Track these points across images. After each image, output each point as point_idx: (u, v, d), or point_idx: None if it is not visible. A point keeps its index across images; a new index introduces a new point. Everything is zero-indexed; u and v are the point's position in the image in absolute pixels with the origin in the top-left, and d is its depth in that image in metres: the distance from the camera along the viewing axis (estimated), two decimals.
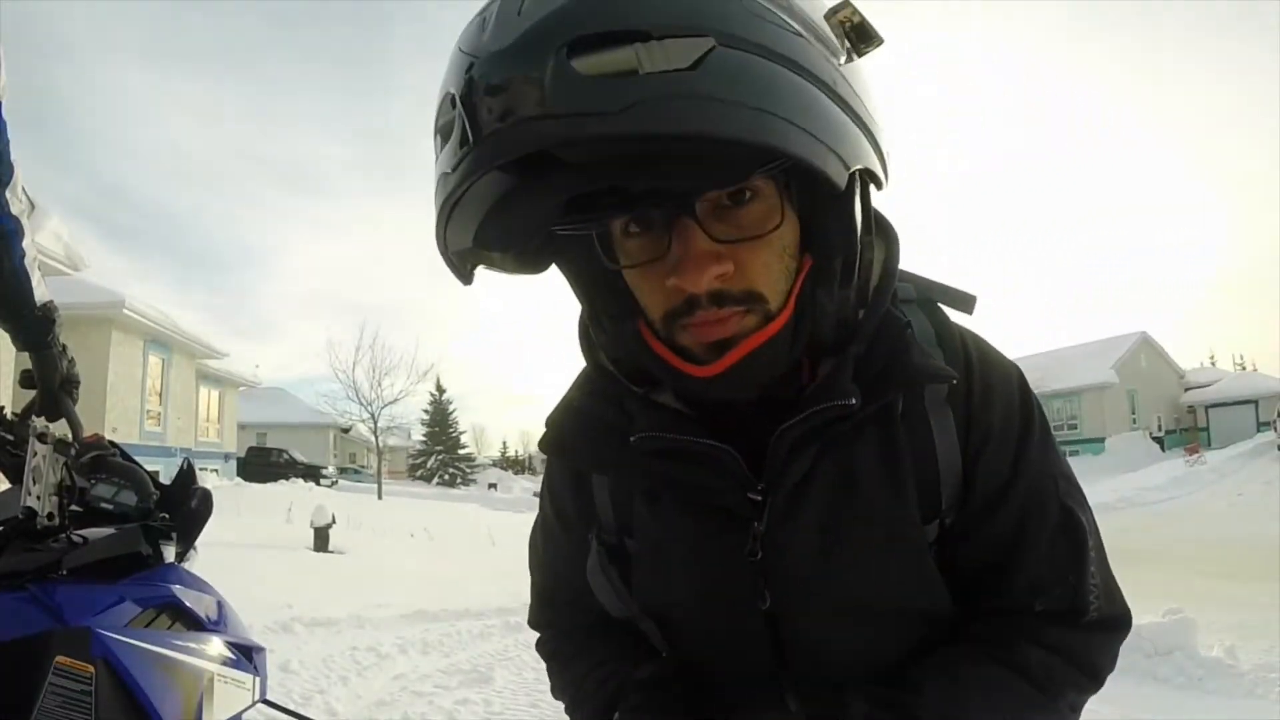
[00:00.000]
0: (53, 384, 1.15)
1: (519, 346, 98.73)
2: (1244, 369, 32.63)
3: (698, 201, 0.47)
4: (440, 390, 38.47)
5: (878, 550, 0.54)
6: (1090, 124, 69.41)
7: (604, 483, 0.63)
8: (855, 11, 0.46)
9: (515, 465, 61.11)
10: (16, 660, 0.75)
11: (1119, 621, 0.57)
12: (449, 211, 0.44)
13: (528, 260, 0.54)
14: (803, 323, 0.51)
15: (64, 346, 1.18)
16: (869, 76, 0.50)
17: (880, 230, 0.56)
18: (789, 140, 0.39)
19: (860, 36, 0.47)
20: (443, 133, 0.42)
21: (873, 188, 0.51)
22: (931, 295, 0.62)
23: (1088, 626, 0.55)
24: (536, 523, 0.73)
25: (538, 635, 0.76)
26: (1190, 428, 27.75)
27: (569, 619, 0.71)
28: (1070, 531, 0.56)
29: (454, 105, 0.40)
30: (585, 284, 0.57)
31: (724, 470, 0.54)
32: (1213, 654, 3.49)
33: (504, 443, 70.05)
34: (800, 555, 0.55)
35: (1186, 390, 29.49)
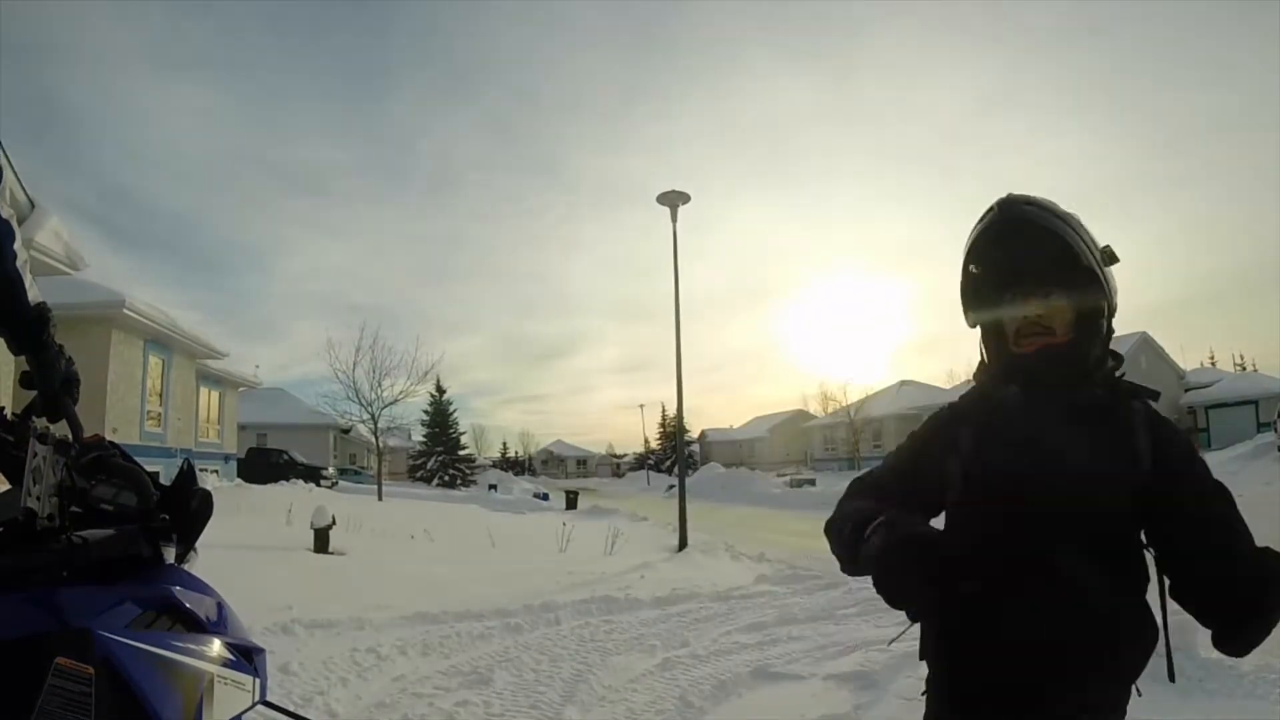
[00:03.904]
0: (52, 384, 1.15)
1: (520, 347, 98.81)
2: (1244, 369, 32.63)
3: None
4: (440, 391, 38.50)
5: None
6: (1090, 123, 69.53)
7: (970, 433, 1.14)
8: (1108, 246, 1.15)
9: (515, 466, 61.15)
10: (16, 661, 0.75)
11: None
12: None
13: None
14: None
15: (60, 347, 1.18)
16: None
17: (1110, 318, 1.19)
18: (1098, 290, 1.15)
19: (1108, 259, 1.15)
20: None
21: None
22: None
23: None
24: (904, 448, 1.22)
25: (832, 514, 1.14)
26: (1190, 428, 27.74)
27: (874, 495, 1.15)
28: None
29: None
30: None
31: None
32: (1213, 654, 3.48)
33: (504, 444, 70.23)
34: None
35: (1187, 390, 29.50)
